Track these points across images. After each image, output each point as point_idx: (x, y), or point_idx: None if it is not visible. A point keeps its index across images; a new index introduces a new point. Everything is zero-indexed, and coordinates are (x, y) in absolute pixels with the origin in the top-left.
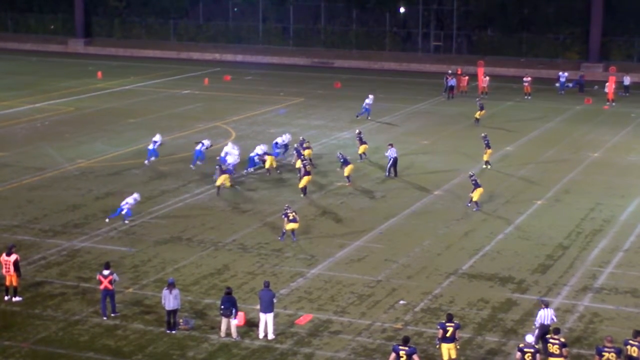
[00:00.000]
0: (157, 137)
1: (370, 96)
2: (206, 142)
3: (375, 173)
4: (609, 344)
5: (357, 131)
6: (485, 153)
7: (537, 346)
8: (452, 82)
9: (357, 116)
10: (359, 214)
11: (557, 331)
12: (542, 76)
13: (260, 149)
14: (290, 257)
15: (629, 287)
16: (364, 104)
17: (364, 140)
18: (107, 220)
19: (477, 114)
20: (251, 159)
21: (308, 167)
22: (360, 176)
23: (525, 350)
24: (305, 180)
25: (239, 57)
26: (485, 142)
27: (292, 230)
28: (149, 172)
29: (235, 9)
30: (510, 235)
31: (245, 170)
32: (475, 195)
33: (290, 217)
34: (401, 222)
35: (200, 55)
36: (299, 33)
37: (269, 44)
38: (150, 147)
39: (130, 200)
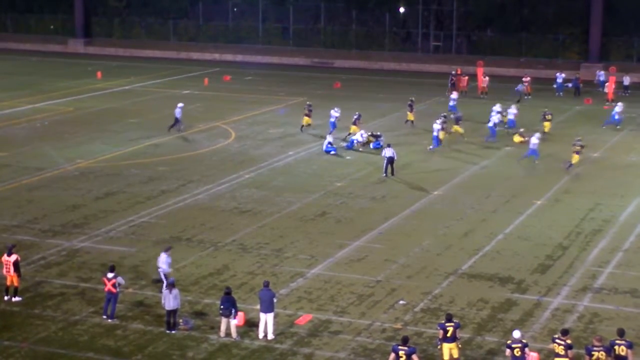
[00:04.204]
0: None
1: (620, 104)
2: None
3: (375, 173)
4: (597, 343)
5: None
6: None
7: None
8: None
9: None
10: (359, 214)
11: (565, 332)
12: (541, 76)
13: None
14: (290, 257)
15: (629, 287)
16: (614, 113)
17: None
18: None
19: None
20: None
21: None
22: (361, 177)
23: (513, 346)
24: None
25: (239, 57)
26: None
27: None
28: (149, 172)
29: (235, 9)
30: (510, 235)
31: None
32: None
33: (577, 149)
34: (401, 222)
35: (200, 55)
36: (298, 33)
37: (269, 44)
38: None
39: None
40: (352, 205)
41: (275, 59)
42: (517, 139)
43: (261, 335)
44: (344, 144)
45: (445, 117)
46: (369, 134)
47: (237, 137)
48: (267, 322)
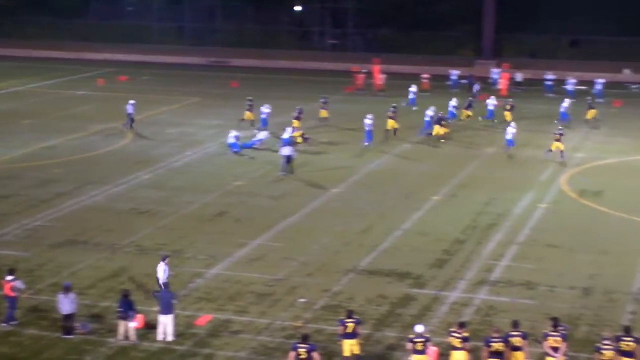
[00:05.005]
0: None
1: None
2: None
3: (274, 172)
4: (496, 335)
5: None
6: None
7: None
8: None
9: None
10: (258, 213)
11: (462, 325)
12: (438, 73)
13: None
14: (189, 257)
15: (524, 280)
16: (489, 107)
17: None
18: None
19: (589, 115)
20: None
21: None
22: (260, 176)
23: (416, 340)
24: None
25: (135, 57)
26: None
27: (560, 150)
28: (44, 175)
29: (130, 8)
30: (408, 231)
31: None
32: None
33: (557, 137)
34: (300, 221)
35: (95, 56)
36: (194, 32)
37: (165, 44)
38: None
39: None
40: (251, 205)
41: (171, 59)
42: (439, 130)
43: (160, 337)
44: (243, 144)
45: (395, 107)
46: (300, 134)
47: (135, 138)
48: (166, 324)
